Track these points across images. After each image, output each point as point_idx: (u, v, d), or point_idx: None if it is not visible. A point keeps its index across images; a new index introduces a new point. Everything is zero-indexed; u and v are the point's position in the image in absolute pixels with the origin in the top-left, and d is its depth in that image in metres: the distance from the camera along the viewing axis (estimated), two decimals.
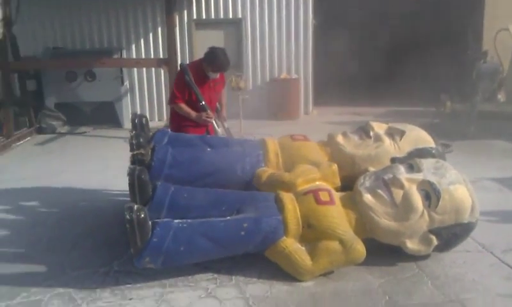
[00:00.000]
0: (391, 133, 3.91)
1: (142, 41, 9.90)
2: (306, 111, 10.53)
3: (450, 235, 3.39)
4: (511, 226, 4.14)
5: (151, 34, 9.90)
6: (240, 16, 9.94)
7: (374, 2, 11.49)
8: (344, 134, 3.99)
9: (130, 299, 3.08)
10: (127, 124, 9.36)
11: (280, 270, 3.29)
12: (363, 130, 3.98)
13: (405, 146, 3.84)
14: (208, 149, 3.80)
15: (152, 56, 9.83)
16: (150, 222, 3.04)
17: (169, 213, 3.31)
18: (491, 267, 3.42)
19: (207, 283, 3.25)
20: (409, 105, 10.46)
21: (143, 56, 9.83)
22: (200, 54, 9.12)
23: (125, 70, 9.46)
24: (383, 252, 3.45)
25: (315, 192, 3.42)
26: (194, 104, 4.36)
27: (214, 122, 4.40)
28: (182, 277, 3.29)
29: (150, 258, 3.07)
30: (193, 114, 4.37)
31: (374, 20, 12.12)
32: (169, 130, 4.11)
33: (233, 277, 3.31)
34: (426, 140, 3.91)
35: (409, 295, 3.07)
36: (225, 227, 3.21)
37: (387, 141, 3.85)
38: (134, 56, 9.79)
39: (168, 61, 8.14)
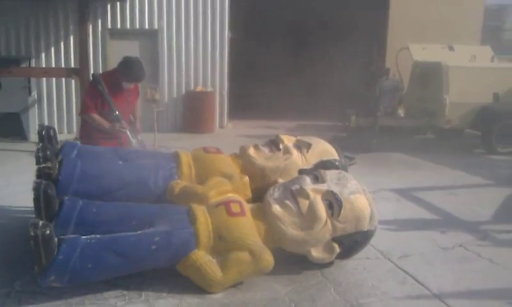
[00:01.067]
0: (299, 145, 4.11)
1: (53, 49, 9.52)
2: (221, 124, 10.65)
3: (352, 243, 3.62)
4: (406, 234, 4.50)
5: (62, 43, 9.54)
6: (156, 27, 9.88)
7: (288, 16, 11.95)
8: (256, 147, 4.13)
9: None
10: (34, 137, 8.92)
11: (190, 284, 3.31)
12: (273, 143, 4.15)
13: (311, 158, 4.06)
14: (120, 162, 3.76)
15: (63, 66, 9.46)
16: (55, 239, 2.96)
17: (76, 229, 3.23)
18: (388, 272, 3.69)
19: (115, 300, 3.19)
20: (317, 119, 10.95)
21: (53, 65, 9.43)
22: (114, 64, 8.99)
23: (33, 80, 9.02)
24: (289, 261, 3.59)
25: (226, 204, 3.51)
26: (107, 115, 4.31)
27: (128, 133, 4.36)
28: (90, 295, 3.20)
29: (55, 276, 2.98)
30: (106, 124, 4.31)
31: (287, 36, 12.58)
32: (78, 142, 4.01)
33: (143, 292, 3.27)
34: (331, 152, 4.15)
35: (314, 301, 3.23)
36: (135, 242, 3.19)
37: (295, 153, 4.04)
38: (44, 65, 9.36)
39: (79, 71, 7.89)
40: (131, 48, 9.46)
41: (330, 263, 3.68)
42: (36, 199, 3.14)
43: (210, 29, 10.18)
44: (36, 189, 3.15)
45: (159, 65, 10.02)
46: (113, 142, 4.42)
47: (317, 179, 3.70)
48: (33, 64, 9.28)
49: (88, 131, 4.39)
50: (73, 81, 9.31)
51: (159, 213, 3.47)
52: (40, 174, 3.38)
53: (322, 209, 3.50)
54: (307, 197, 3.52)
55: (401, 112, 10.40)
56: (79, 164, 3.55)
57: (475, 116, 8.27)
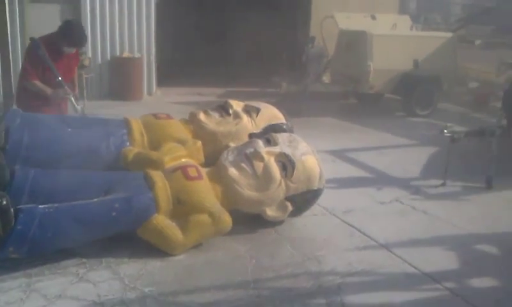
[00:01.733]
0: (248, 110, 4.21)
1: None
2: (149, 92, 10.40)
3: (303, 201, 3.83)
4: (346, 191, 4.80)
5: None
6: None
7: None
8: (205, 112, 4.16)
9: None
10: None
11: (151, 248, 3.33)
12: (223, 108, 4.21)
13: (261, 123, 4.18)
14: (69, 129, 3.64)
15: None
16: (12, 209, 2.85)
17: (30, 200, 3.11)
18: (335, 227, 3.95)
19: (76, 268, 3.14)
20: (245, 86, 11.04)
21: None
22: (32, 31, 8.46)
23: None
24: (244, 221, 3.72)
25: (183, 169, 3.54)
26: (48, 81, 4.12)
27: (72, 99, 4.20)
28: (49, 265, 3.13)
29: (14, 247, 2.89)
30: (49, 91, 4.13)
31: (216, 2, 12.43)
32: (20, 110, 3.80)
33: (103, 259, 3.25)
34: (278, 117, 4.30)
35: (273, 257, 3.40)
36: (95, 209, 3.15)
37: (245, 117, 4.14)
38: None
39: None
40: (52, 13, 8.93)
41: (282, 221, 3.86)
42: None
43: None
44: None
45: None
46: (53, 110, 4.24)
47: (269, 142, 3.83)
48: None
49: (26, 100, 4.17)
50: None
51: (116, 180, 3.44)
52: None
53: (276, 170, 3.65)
54: (261, 159, 3.65)
55: (326, 78, 10.83)
56: (26, 132, 3.39)
57: (396, 82, 8.79)
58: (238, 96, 10.13)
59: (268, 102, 4.74)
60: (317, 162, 3.84)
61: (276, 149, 3.73)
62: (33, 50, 4.12)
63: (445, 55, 9.02)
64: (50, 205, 3.02)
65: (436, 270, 3.30)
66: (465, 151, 5.53)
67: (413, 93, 8.77)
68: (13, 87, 7.02)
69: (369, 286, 3.09)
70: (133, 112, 4.67)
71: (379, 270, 3.29)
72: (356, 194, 4.71)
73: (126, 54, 9.84)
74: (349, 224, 3.99)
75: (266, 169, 3.63)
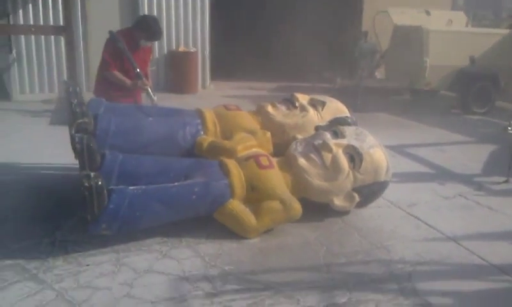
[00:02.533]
0: (313, 104, 4.34)
1: (30, 6, 9.19)
2: (203, 85, 10.69)
3: (369, 193, 3.93)
4: (409, 185, 4.84)
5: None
6: None
7: None
8: (273, 104, 4.32)
9: (87, 265, 3.12)
10: (16, 96, 8.75)
11: (226, 231, 3.54)
12: (289, 101, 4.35)
13: (326, 116, 4.31)
14: (149, 118, 3.88)
15: (42, 23, 9.18)
16: (105, 189, 3.10)
17: (118, 182, 3.37)
18: (401, 219, 4.02)
19: (159, 246, 3.38)
20: (297, 80, 11.14)
21: (32, 22, 9.13)
22: (93, 21, 8.86)
23: (12, 38, 8.74)
24: (313, 209, 3.85)
25: (256, 158, 3.72)
26: (126, 73, 4.38)
27: (149, 90, 4.45)
28: (133, 243, 3.38)
29: (106, 224, 3.14)
30: (128, 81, 4.39)
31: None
32: (103, 99, 4.07)
33: (183, 239, 3.48)
34: (343, 110, 4.41)
35: (342, 244, 3.53)
36: (178, 192, 3.37)
37: (311, 110, 4.27)
38: (22, 22, 9.05)
39: (65, 29, 7.72)
40: (110, 5, 9.34)
41: (348, 212, 3.98)
42: (80, 153, 3.24)
43: None
44: (80, 143, 3.25)
45: None
46: (129, 100, 4.50)
47: (336, 134, 3.95)
48: (11, 21, 8.96)
49: (104, 89, 4.45)
50: (52, 39, 9.10)
51: (193, 166, 3.65)
52: (78, 129, 3.46)
53: (344, 161, 3.77)
54: (330, 150, 3.77)
55: (377, 74, 10.79)
56: (113, 120, 3.65)
57: (453, 78, 8.70)
58: (290, 91, 10.44)
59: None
60: (384, 155, 3.94)
61: (344, 141, 3.85)
62: (112, 42, 4.38)
63: (502, 52, 8.86)
64: (138, 187, 3.26)
65: (504, 262, 3.34)
66: None
67: (469, 90, 8.65)
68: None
69: (439, 275, 3.17)
70: (189, 104, 4.88)
71: (447, 260, 3.36)
72: (418, 188, 4.76)
73: (182, 48, 10.14)
74: (414, 217, 4.06)
75: (335, 160, 3.76)
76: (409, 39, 8.89)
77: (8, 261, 3.11)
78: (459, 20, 9.86)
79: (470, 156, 5.94)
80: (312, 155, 3.78)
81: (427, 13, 9.86)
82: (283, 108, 4.30)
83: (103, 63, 4.46)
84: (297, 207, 3.59)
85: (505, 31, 9.26)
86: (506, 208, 4.32)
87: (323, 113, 4.29)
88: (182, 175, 3.56)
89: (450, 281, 3.11)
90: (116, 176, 3.38)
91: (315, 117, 4.26)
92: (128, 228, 3.29)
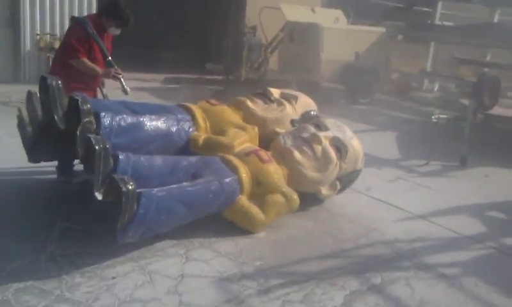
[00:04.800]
0: (286, 98, 4.49)
1: None
2: None
3: (347, 180, 4.25)
4: None
5: None
6: None
7: None
8: (251, 99, 4.36)
9: (113, 278, 2.87)
10: None
11: (228, 229, 3.52)
12: (264, 95, 4.43)
13: (299, 109, 4.49)
14: (147, 115, 3.62)
15: None
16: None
17: None
18: (369, 203, 4.45)
19: (174, 249, 3.25)
20: (183, 72, 11.05)
21: None
22: None
23: None
24: None
25: (256, 153, 3.75)
26: (93, 61, 4.01)
27: (122, 79, 4.11)
28: (144, 248, 3.18)
29: (133, 231, 2.93)
30: (99, 69, 4.01)
31: None
32: (85, 95, 3.65)
33: (193, 240, 3.37)
34: (311, 104, 4.65)
35: (341, 231, 3.79)
36: (197, 192, 3.27)
37: (287, 105, 4.41)
38: None
39: None
40: None
41: (323, 200, 4.22)
42: (98, 156, 2.93)
43: None
44: (98, 145, 2.94)
45: (20, 7, 8.82)
46: (89, 93, 4.11)
47: (319, 127, 4.17)
48: None
49: (65, 79, 3.98)
50: None
51: (198, 163, 3.54)
52: (83, 129, 3.10)
53: (333, 152, 4.01)
54: (320, 142, 3.98)
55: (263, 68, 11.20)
56: (115, 117, 3.35)
57: (341, 72, 9.51)
58: (179, 82, 10.38)
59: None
60: (361, 145, 4.28)
61: (329, 133, 4.09)
62: (80, 28, 3.95)
63: (380, 48, 9.98)
64: (160, 189, 3.08)
65: (473, 233, 3.95)
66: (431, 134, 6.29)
67: (355, 82, 9.57)
68: None
69: (433, 250, 3.62)
70: None
71: (431, 236, 3.85)
72: (363, 173, 5.22)
73: None
74: (378, 200, 4.50)
75: (325, 151, 3.97)
76: (305, 35, 9.45)
77: (17, 284, 2.71)
78: (341, 18, 10.76)
79: (382, 143, 6.66)
80: (304, 148, 3.94)
81: (313, 10, 10.58)
82: (260, 102, 4.36)
83: (69, 50, 3.95)
84: (296, 199, 3.73)
85: (381, 29, 10.39)
86: (442, 187, 5.04)
87: (297, 107, 4.46)
88: (190, 174, 3.43)
89: (444, 253, 3.58)
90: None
91: (291, 111, 4.41)
92: (151, 233, 3.10)
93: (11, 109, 6.86)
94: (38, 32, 8.73)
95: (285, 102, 4.43)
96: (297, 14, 10.13)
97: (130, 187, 2.78)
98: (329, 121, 4.27)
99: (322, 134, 4.03)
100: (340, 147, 4.05)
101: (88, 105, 3.18)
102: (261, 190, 3.64)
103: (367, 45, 9.77)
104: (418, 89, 11.85)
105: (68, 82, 3.93)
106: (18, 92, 7.76)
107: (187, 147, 3.76)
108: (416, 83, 11.93)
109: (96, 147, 2.92)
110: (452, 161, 5.87)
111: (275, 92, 4.51)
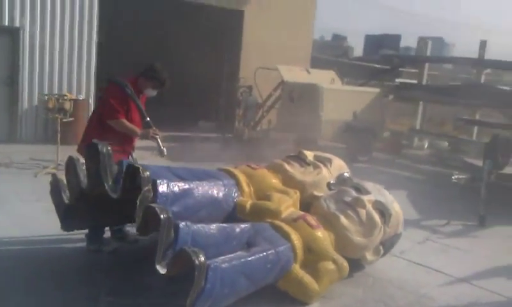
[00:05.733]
0: (321, 160, 4.45)
1: None
2: None
3: (389, 244, 4.18)
4: None
5: None
6: (18, 24, 8.57)
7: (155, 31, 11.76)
8: (288, 162, 4.30)
9: None
10: None
11: (278, 300, 3.38)
12: (300, 158, 4.39)
13: (334, 172, 4.45)
14: (195, 182, 3.51)
15: None
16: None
17: None
18: (408, 266, 4.39)
19: None
20: (175, 130, 10.95)
21: None
22: None
23: None
24: None
25: (304, 218, 3.66)
26: (130, 122, 3.95)
27: (159, 140, 4.03)
28: None
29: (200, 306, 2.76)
30: (138, 130, 3.93)
31: (154, 49, 12.29)
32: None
33: None
34: (345, 166, 4.62)
35: (392, 299, 3.68)
36: (257, 262, 3.14)
37: (324, 168, 4.38)
38: None
39: None
40: None
41: (364, 265, 4.14)
42: (162, 226, 2.80)
43: (77, 32, 9.31)
44: (163, 215, 2.82)
45: (20, 67, 8.73)
46: (124, 156, 4.00)
47: (359, 191, 4.13)
48: None
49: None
50: None
51: (251, 231, 3.42)
52: (143, 198, 2.97)
53: (377, 217, 3.95)
54: (364, 206, 3.93)
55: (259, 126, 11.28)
56: (170, 185, 3.23)
57: (341, 131, 9.63)
58: (173, 140, 10.25)
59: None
60: (401, 209, 4.24)
61: (371, 197, 4.05)
62: (119, 89, 3.92)
63: (376, 108, 10.21)
64: (222, 259, 2.94)
65: None
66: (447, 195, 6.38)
67: (354, 141, 9.68)
68: None
69: None
70: None
71: (480, 300, 3.78)
72: None
73: (70, 95, 9.18)
74: (416, 263, 4.43)
75: (369, 215, 3.91)
76: (305, 96, 9.59)
77: None
78: (336, 79, 11.01)
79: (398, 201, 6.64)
80: (349, 212, 3.87)
81: (308, 71, 10.82)
82: (297, 166, 4.31)
83: (108, 111, 3.90)
84: (347, 266, 3.63)
85: (376, 90, 10.68)
86: (469, 247, 5.02)
87: (332, 169, 4.43)
88: (244, 242, 3.30)
89: None
90: None
91: (327, 174, 4.36)
92: None
93: (15, 170, 6.66)
94: (46, 93, 8.61)
95: (320, 165, 4.39)
96: (293, 75, 10.33)
97: (202, 260, 2.65)
98: (368, 185, 4.24)
99: (366, 198, 3.99)
100: (383, 211, 4.01)
101: (148, 173, 3.05)
102: (312, 257, 3.53)
103: (363, 104, 9.99)
104: (409, 147, 12.11)
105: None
106: (18, 152, 7.58)
107: (233, 213, 3.65)
108: (406, 141, 12.20)
109: (162, 217, 2.79)
110: (469, 220, 5.89)
111: (309, 155, 4.48)
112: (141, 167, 3.07)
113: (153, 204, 2.89)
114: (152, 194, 3.09)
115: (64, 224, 3.71)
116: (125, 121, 3.91)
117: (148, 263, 3.64)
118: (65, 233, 3.82)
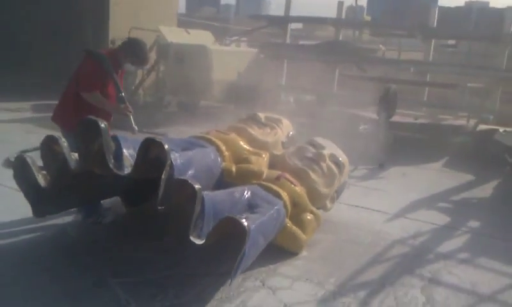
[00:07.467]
0: (274, 121, 4.69)
1: None
2: None
3: (340, 191, 4.66)
4: None
5: None
6: None
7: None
8: (249, 126, 4.44)
9: None
10: None
11: (270, 252, 3.57)
12: (255, 120, 4.57)
13: (285, 132, 4.74)
14: (190, 151, 3.49)
15: None
16: None
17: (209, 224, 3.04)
18: (351, 209, 4.93)
19: (251, 283, 3.25)
20: (50, 98, 10.04)
21: None
22: None
23: None
24: None
25: (284, 176, 3.91)
26: (105, 96, 3.73)
27: (131, 116, 3.86)
28: (213, 287, 3.17)
29: (241, 269, 2.89)
30: (110, 106, 3.72)
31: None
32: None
33: (249, 272, 3.36)
34: (290, 125, 4.92)
35: (355, 242, 4.15)
36: (268, 222, 3.34)
37: (277, 128, 4.62)
38: None
39: None
40: None
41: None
42: (198, 199, 2.82)
43: None
44: (197, 186, 2.84)
45: None
46: None
47: (315, 147, 4.49)
48: None
49: (74, 115, 3.63)
50: None
51: (247, 194, 3.55)
52: (166, 172, 2.90)
53: (334, 168, 4.38)
54: (325, 160, 4.32)
55: (141, 91, 10.97)
56: (177, 155, 3.20)
57: (227, 92, 9.87)
58: (50, 110, 9.37)
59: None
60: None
61: (328, 151, 4.45)
62: (97, 62, 3.65)
63: (256, 67, 10.66)
64: (252, 221, 3.06)
65: (448, 221, 4.73)
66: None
67: (242, 100, 10.01)
68: None
69: (432, 241, 4.26)
70: None
71: (421, 229, 4.49)
72: None
73: None
74: (356, 206, 5.01)
75: (329, 168, 4.32)
76: (194, 57, 9.53)
77: None
78: (213, 40, 11.10)
79: None
80: (315, 166, 4.23)
81: (187, 32, 10.73)
82: (256, 128, 4.47)
83: (86, 83, 3.60)
84: (320, 215, 4.02)
85: (255, 50, 11.07)
86: (387, 187, 5.80)
87: (283, 129, 4.69)
88: (245, 204, 3.44)
89: (442, 242, 4.23)
90: (212, 216, 3.04)
91: (281, 133, 4.62)
92: (243, 269, 3.05)
93: None
94: None
95: (275, 125, 4.63)
96: (176, 35, 10.17)
97: (247, 224, 2.75)
98: (320, 140, 4.62)
99: (325, 152, 4.37)
100: (337, 162, 4.44)
101: (167, 146, 2.98)
102: (295, 210, 3.82)
103: (245, 64, 10.33)
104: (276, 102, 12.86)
105: (81, 115, 3.59)
106: None
107: (221, 178, 3.74)
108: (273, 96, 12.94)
109: (196, 187, 2.80)
110: (370, 164, 6.73)
111: (262, 116, 4.68)
112: (162, 141, 2.98)
113: (184, 178, 2.87)
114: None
115: (36, 209, 3.39)
116: (98, 94, 3.69)
117: (132, 238, 3.65)
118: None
